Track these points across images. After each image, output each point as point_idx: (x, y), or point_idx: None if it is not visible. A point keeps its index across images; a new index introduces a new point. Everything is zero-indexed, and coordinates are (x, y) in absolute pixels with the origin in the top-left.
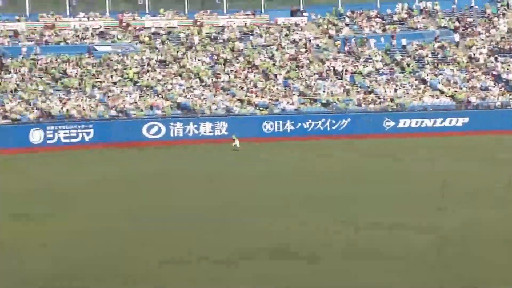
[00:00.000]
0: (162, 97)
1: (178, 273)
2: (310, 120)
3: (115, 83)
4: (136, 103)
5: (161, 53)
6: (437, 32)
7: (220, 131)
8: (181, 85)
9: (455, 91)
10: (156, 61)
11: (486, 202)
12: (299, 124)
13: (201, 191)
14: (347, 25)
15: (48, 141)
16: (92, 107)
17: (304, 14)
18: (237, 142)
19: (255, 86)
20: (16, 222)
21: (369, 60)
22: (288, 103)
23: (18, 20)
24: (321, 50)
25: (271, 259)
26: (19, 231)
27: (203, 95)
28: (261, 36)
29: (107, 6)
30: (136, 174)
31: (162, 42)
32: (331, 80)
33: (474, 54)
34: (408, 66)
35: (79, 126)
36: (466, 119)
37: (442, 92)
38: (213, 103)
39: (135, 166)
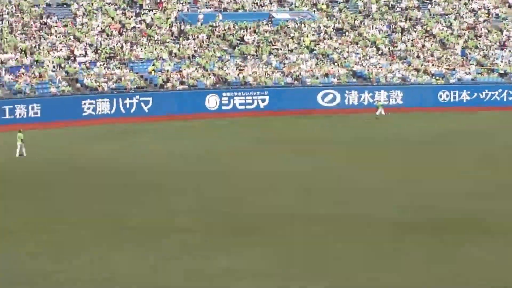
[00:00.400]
0: (338, 65)
1: None
2: (486, 91)
3: (291, 50)
4: (311, 70)
5: (338, 21)
6: None
7: (395, 100)
8: (357, 53)
9: None
10: (333, 29)
11: None
12: (475, 94)
13: None
14: None
15: (223, 107)
16: (268, 74)
17: None
18: (381, 110)
19: (432, 55)
20: None
21: None
22: (465, 72)
23: None
24: (500, 19)
25: None
26: None
27: (379, 63)
28: (439, 5)
29: None
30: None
31: (340, 10)
32: (509, 51)
33: None
34: None
35: (255, 93)
36: None
37: None
38: (389, 72)
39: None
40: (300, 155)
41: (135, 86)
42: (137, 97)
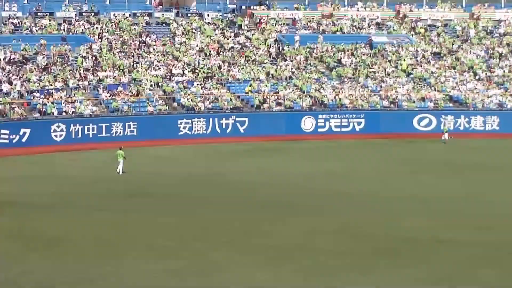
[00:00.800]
0: (435, 89)
1: None
2: None
3: (388, 73)
4: (408, 94)
5: (436, 45)
6: None
7: (491, 126)
8: (454, 77)
9: None
10: (431, 53)
11: None
12: None
13: None
14: None
15: (319, 129)
16: (364, 96)
17: None
18: (446, 135)
19: None
20: None
21: None
22: None
23: (297, 9)
24: None
25: None
26: None
27: (476, 88)
28: None
29: None
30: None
31: (438, 34)
32: None
33: None
34: None
35: (351, 116)
36: None
37: None
38: (486, 97)
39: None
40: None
41: (231, 106)
42: (233, 117)
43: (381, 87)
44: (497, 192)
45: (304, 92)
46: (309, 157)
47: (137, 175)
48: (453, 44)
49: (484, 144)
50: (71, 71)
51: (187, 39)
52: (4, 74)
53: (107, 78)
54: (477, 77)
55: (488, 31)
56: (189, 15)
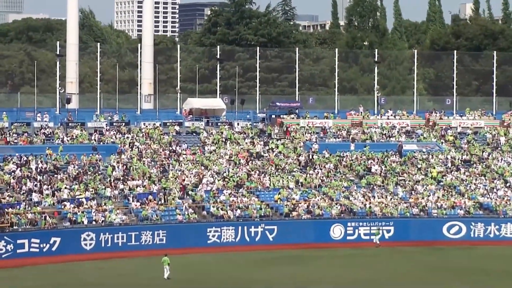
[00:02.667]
0: (465, 196)
1: None
2: None
3: (418, 181)
4: (438, 202)
5: (466, 153)
6: None
7: None
8: (484, 185)
9: None
10: (461, 160)
11: None
12: None
13: None
14: None
15: (348, 237)
16: (394, 204)
17: None
18: (377, 239)
19: None
20: None
21: None
22: None
23: (326, 117)
24: None
25: None
26: None
27: (506, 195)
28: None
29: (414, 105)
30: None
31: (468, 142)
32: None
33: None
34: None
35: (380, 224)
36: None
37: None
38: None
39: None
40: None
41: (260, 214)
42: (262, 225)
43: (410, 194)
44: None
45: (333, 200)
46: (337, 265)
47: (168, 283)
48: (483, 152)
49: None
50: (101, 181)
51: (217, 147)
52: (35, 184)
53: (137, 187)
54: (507, 184)
55: None
56: (219, 124)
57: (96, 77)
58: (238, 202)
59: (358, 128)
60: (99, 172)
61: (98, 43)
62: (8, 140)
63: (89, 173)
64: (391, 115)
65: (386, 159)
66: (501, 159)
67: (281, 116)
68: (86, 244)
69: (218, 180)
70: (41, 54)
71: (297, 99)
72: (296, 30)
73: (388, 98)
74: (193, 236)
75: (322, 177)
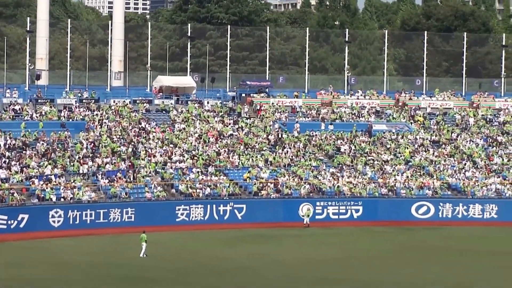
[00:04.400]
0: (433, 177)
1: None
2: None
3: (387, 161)
4: (407, 182)
5: (435, 134)
6: None
7: (490, 214)
8: (453, 166)
9: None
10: (430, 141)
11: None
12: None
13: None
14: None
15: (316, 217)
16: (363, 184)
17: None
18: (307, 219)
19: None
20: None
21: None
22: None
23: (296, 96)
24: None
25: None
26: None
27: (474, 176)
28: None
29: (384, 85)
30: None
31: (437, 123)
32: None
33: None
34: None
35: (349, 203)
36: None
37: None
38: (484, 185)
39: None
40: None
41: (229, 193)
42: (231, 204)
43: (379, 174)
44: (500, 279)
45: (302, 180)
46: (306, 244)
47: (138, 260)
48: (452, 133)
49: (483, 233)
50: (70, 158)
51: (186, 126)
52: (4, 161)
53: (106, 164)
54: (475, 165)
55: (488, 119)
56: (188, 102)
57: (66, 53)
58: (207, 181)
59: (328, 108)
60: (68, 149)
61: (69, 20)
62: None
63: (57, 150)
64: (361, 95)
65: (355, 139)
66: (470, 140)
67: (251, 94)
68: (54, 221)
69: (187, 159)
70: (11, 29)
71: (267, 78)
72: (267, 9)
73: (359, 78)
74: (162, 214)
75: (292, 156)
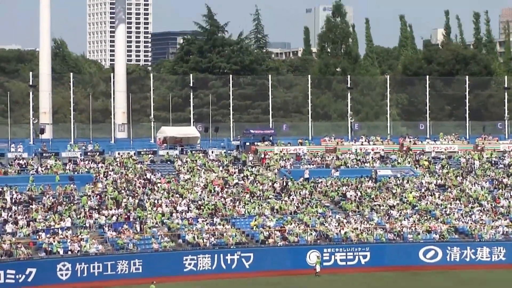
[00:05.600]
0: (440, 221)
1: None
2: None
3: (393, 206)
4: (413, 227)
5: (440, 177)
6: None
7: (498, 257)
8: (459, 209)
9: None
10: (435, 185)
11: None
12: None
13: None
14: None
15: (324, 263)
16: (369, 230)
17: None
18: (318, 267)
19: None
20: None
21: None
22: None
23: (301, 144)
24: None
25: None
26: None
27: (481, 219)
28: None
29: (388, 130)
30: None
31: (442, 167)
32: None
33: None
34: None
35: (356, 249)
36: None
37: None
38: (492, 228)
39: None
40: None
41: (236, 242)
42: (238, 253)
43: (386, 220)
44: None
45: (309, 226)
46: None
47: None
48: (457, 176)
49: (491, 276)
50: (76, 210)
51: (191, 176)
52: (10, 215)
53: (113, 216)
54: (482, 208)
55: (493, 162)
56: (193, 152)
57: (69, 107)
58: (213, 230)
59: (333, 154)
60: (74, 202)
61: (71, 73)
62: None
63: (64, 203)
64: (365, 141)
65: (361, 184)
66: (476, 183)
67: (255, 143)
68: (62, 275)
69: (194, 208)
70: (13, 84)
71: (271, 126)
72: (268, 57)
73: (362, 123)
74: (169, 264)
75: (298, 203)
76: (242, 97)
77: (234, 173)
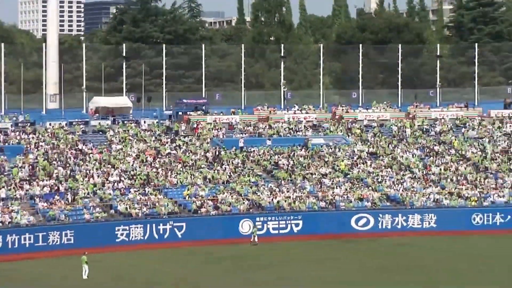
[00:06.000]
0: (372, 189)
1: None
2: None
3: (325, 174)
4: (346, 195)
5: (372, 145)
6: None
7: (429, 224)
8: (391, 177)
9: None
10: (367, 153)
11: None
12: (509, 217)
13: None
14: None
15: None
16: (301, 198)
17: None
18: (255, 238)
19: (465, 178)
20: None
21: None
22: (498, 196)
23: (233, 113)
24: None
25: None
26: None
27: (413, 187)
28: (473, 129)
29: (321, 99)
30: None
31: (374, 135)
32: None
33: None
34: None
35: (288, 218)
36: None
37: None
38: (423, 195)
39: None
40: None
41: (168, 212)
42: (171, 222)
43: (318, 188)
44: None
45: (241, 196)
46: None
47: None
48: (389, 144)
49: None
50: (6, 182)
51: (123, 146)
52: None
53: (44, 187)
54: (413, 176)
55: (424, 130)
56: (125, 122)
57: (0, 77)
58: (146, 200)
59: (265, 123)
60: (5, 174)
61: (2, 43)
62: None
63: None
64: (298, 110)
65: (293, 153)
66: (407, 151)
67: (188, 113)
68: None
69: (126, 179)
70: None
71: (203, 96)
72: (202, 26)
73: (295, 92)
74: (101, 235)
75: (230, 173)
76: (175, 66)
77: (167, 143)
